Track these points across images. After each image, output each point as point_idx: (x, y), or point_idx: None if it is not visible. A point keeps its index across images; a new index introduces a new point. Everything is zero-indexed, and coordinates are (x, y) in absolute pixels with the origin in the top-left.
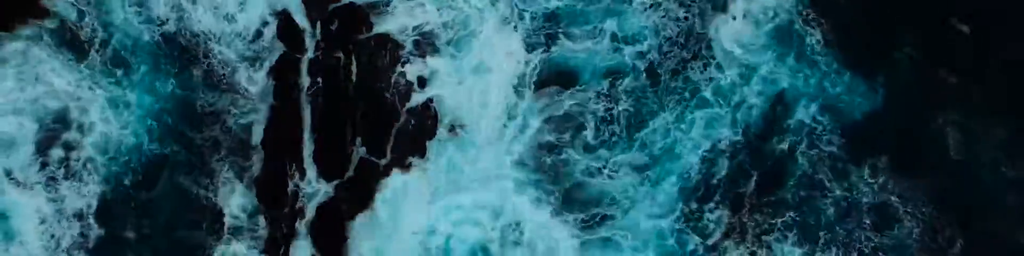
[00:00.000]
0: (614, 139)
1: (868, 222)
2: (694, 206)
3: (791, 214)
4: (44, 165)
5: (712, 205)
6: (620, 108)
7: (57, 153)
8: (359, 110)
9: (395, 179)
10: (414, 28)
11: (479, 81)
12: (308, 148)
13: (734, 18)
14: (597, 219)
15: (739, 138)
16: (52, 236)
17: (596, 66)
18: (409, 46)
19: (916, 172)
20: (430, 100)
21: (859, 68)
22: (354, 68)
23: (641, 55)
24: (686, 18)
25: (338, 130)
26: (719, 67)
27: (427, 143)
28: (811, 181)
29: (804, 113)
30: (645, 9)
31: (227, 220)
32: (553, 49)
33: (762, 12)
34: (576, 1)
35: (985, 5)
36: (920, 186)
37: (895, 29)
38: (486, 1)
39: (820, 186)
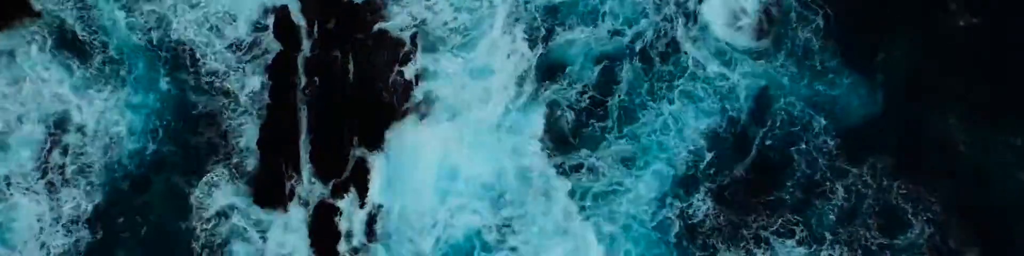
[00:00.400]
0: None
1: (872, 222)
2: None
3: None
4: (41, 167)
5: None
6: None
7: (55, 158)
8: (357, 109)
9: None
10: (414, 26)
11: (479, 79)
12: (304, 148)
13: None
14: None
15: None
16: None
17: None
18: (408, 44)
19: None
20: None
21: (854, 58)
22: (351, 67)
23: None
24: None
25: (335, 130)
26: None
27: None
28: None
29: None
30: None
31: (225, 220)
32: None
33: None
34: None
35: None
36: (921, 186)
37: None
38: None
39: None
